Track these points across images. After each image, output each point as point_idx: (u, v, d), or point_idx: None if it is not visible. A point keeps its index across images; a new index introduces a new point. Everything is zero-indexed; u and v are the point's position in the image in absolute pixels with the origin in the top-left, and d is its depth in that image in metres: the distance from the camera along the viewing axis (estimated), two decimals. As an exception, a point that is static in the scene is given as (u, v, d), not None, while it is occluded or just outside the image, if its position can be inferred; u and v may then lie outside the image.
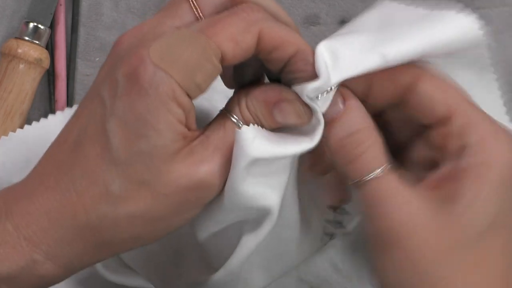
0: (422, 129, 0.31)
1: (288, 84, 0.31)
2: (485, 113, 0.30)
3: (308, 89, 0.30)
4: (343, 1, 0.51)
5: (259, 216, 0.32)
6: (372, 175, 0.29)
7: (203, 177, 0.29)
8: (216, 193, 0.30)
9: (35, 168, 0.31)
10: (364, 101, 0.31)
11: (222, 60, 0.29)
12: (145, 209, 0.29)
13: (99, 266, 0.41)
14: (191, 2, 0.30)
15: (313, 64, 0.30)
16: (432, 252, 0.28)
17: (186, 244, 0.38)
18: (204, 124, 0.31)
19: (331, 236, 0.40)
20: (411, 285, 0.28)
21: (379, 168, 0.29)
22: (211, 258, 0.36)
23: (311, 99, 0.30)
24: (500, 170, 0.28)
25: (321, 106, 0.30)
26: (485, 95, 0.35)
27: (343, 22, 0.52)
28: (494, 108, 0.35)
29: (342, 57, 0.30)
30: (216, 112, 0.32)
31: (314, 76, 0.30)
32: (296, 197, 0.35)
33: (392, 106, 0.32)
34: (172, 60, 0.28)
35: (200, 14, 0.31)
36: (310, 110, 0.31)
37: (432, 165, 0.30)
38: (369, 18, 0.33)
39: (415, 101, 0.30)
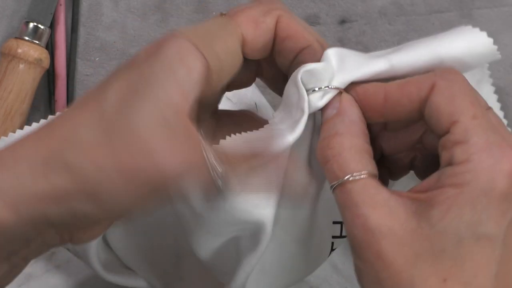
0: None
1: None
2: (490, 124, 0.28)
3: (303, 70, 0.30)
4: (343, 1, 0.51)
5: (255, 229, 0.32)
6: (348, 177, 0.28)
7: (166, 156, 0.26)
8: (167, 185, 0.27)
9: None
10: (383, 119, 0.31)
11: (244, 44, 0.30)
12: (104, 160, 0.26)
13: (99, 268, 0.41)
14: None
15: (319, 60, 0.30)
16: (404, 257, 0.26)
17: (186, 249, 0.38)
18: None
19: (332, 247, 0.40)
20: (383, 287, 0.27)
21: (356, 172, 0.28)
22: (215, 273, 0.36)
23: (303, 85, 0.30)
24: (486, 182, 0.26)
25: (315, 100, 0.30)
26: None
27: (343, 22, 0.52)
28: None
29: (348, 59, 0.30)
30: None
31: None
32: (303, 210, 0.35)
33: (413, 121, 0.31)
34: (194, 29, 0.29)
35: None
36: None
37: None
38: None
39: (427, 113, 0.29)
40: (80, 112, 0.28)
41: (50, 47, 0.53)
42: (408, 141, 0.32)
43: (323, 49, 0.31)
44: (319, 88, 0.30)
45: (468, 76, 0.33)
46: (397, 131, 0.32)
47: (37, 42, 0.51)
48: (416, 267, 0.26)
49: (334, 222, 0.37)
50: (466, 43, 0.31)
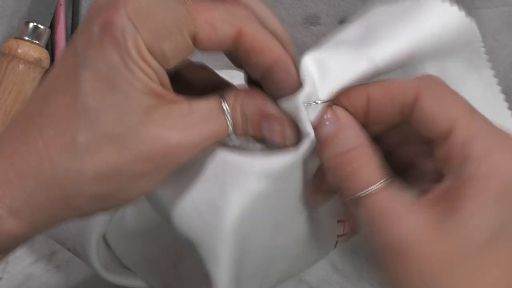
0: (427, 145, 0.31)
1: (270, 95, 0.31)
2: (490, 123, 0.29)
3: (299, 99, 0.29)
4: (343, 1, 0.51)
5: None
6: (368, 191, 0.29)
7: (172, 144, 0.28)
8: (178, 166, 0.29)
9: (8, 124, 0.30)
10: (365, 124, 0.31)
11: (195, 41, 0.29)
12: (111, 163, 0.28)
13: (99, 268, 0.41)
14: None
15: (295, 74, 0.30)
16: (431, 266, 0.27)
17: (186, 250, 0.38)
18: None
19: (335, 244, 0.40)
20: None
21: (375, 184, 0.29)
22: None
23: (302, 119, 0.30)
24: (502, 182, 0.27)
25: (310, 115, 0.30)
26: (485, 92, 0.34)
27: (343, 22, 0.52)
28: (495, 105, 0.35)
29: (330, 65, 0.30)
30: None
31: (295, 87, 0.30)
32: (305, 213, 0.35)
33: (395, 125, 0.31)
34: (145, 18, 0.28)
35: None
36: (295, 136, 0.31)
37: (439, 179, 0.29)
38: (354, 26, 0.33)
39: (418, 118, 0.29)
40: (62, 112, 0.28)
41: (50, 47, 0.53)
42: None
43: (291, 55, 0.30)
44: (307, 104, 0.30)
45: (464, 62, 0.33)
46: (379, 134, 0.32)
47: (37, 42, 0.51)
48: (441, 278, 0.26)
49: (338, 221, 0.38)
50: (439, 21, 0.30)
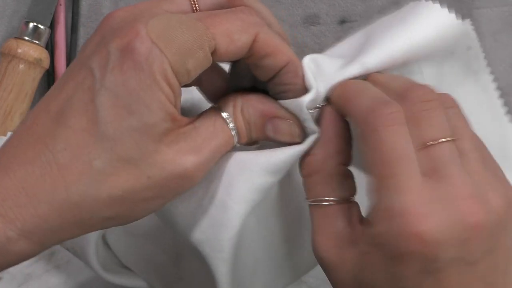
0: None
1: (274, 96, 0.32)
2: None
3: (305, 102, 0.30)
4: (343, 1, 0.51)
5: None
6: (312, 201, 0.31)
7: (188, 167, 0.29)
8: (193, 185, 0.30)
9: (10, 139, 0.30)
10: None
11: (214, 53, 0.29)
12: (126, 189, 0.28)
13: (98, 267, 0.41)
14: None
15: (301, 77, 0.31)
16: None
17: (186, 247, 0.38)
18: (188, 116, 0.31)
19: None
20: None
21: (321, 197, 0.31)
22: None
23: (306, 119, 0.31)
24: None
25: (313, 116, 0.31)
26: (482, 97, 0.35)
27: (343, 22, 0.52)
28: (493, 109, 0.35)
29: (325, 69, 0.31)
30: (200, 106, 0.32)
31: (301, 89, 0.31)
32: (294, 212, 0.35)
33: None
34: (168, 40, 0.28)
35: (197, 6, 0.31)
36: (302, 131, 0.32)
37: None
38: (354, 38, 0.34)
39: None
40: (78, 136, 0.28)
41: (50, 47, 0.53)
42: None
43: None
44: (309, 108, 0.31)
45: (463, 67, 0.34)
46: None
47: (37, 42, 0.51)
48: None
49: None
50: (432, 26, 0.31)
